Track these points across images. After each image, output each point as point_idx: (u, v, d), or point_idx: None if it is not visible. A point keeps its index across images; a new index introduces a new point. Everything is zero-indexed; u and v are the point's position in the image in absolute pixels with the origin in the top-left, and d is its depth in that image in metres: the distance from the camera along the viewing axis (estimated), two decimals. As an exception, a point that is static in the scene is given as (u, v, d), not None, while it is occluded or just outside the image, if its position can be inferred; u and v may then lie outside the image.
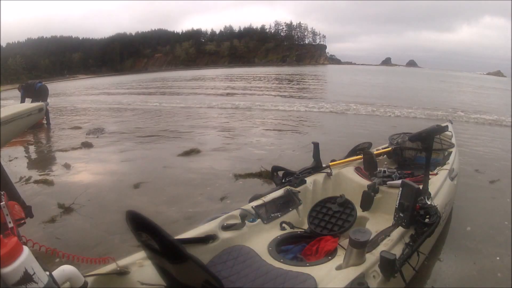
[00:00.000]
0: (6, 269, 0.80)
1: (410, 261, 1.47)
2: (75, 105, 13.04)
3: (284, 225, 1.98)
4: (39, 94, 7.55)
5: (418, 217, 1.61)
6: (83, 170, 4.37)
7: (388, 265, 1.33)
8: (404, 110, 9.01)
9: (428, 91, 16.48)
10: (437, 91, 16.83)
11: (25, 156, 5.41)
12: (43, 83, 8.10)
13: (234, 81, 25.08)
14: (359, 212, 2.05)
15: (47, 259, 1.39)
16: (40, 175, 4.19)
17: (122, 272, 1.29)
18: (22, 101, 7.71)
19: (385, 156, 3.01)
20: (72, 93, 20.68)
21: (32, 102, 6.73)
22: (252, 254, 1.65)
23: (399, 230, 1.61)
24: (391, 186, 2.16)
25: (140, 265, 1.34)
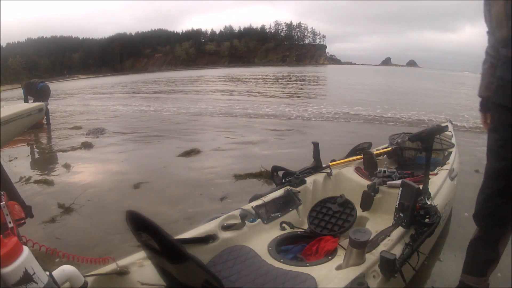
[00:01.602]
0: (6, 269, 0.80)
1: (410, 261, 1.47)
2: (75, 106, 13.03)
3: (284, 225, 1.98)
4: (41, 94, 7.58)
5: (418, 217, 1.61)
6: (83, 170, 4.37)
7: (388, 265, 1.33)
8: (402, 112, 9.01)
9: (427, 93, 16.46)
10: (436, 92, 16.82)
11: (25, 156, 5.40)
12: (46, 83, 8.13)
13: (234, 82, 25.07)
14: (359, 212, 2.05)
15: (47, 259, 1.39)
16: (40, 175, 4.19)
17: (122, 272, 1.29)
18: (26, 100, 7.73)
19: (385, 156, 3.00)
20: (73, 94, 20.68)
21: (33, 101, 6.76)
22: (252, 254, 1.65)
23: (399, 230, 1.61)
24: (391, 186, 2.15)
25: (140, 265, 1.34)
